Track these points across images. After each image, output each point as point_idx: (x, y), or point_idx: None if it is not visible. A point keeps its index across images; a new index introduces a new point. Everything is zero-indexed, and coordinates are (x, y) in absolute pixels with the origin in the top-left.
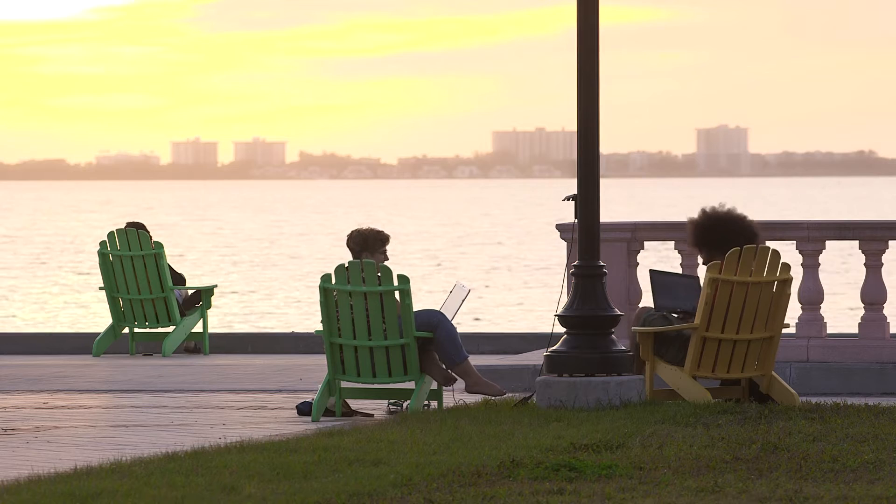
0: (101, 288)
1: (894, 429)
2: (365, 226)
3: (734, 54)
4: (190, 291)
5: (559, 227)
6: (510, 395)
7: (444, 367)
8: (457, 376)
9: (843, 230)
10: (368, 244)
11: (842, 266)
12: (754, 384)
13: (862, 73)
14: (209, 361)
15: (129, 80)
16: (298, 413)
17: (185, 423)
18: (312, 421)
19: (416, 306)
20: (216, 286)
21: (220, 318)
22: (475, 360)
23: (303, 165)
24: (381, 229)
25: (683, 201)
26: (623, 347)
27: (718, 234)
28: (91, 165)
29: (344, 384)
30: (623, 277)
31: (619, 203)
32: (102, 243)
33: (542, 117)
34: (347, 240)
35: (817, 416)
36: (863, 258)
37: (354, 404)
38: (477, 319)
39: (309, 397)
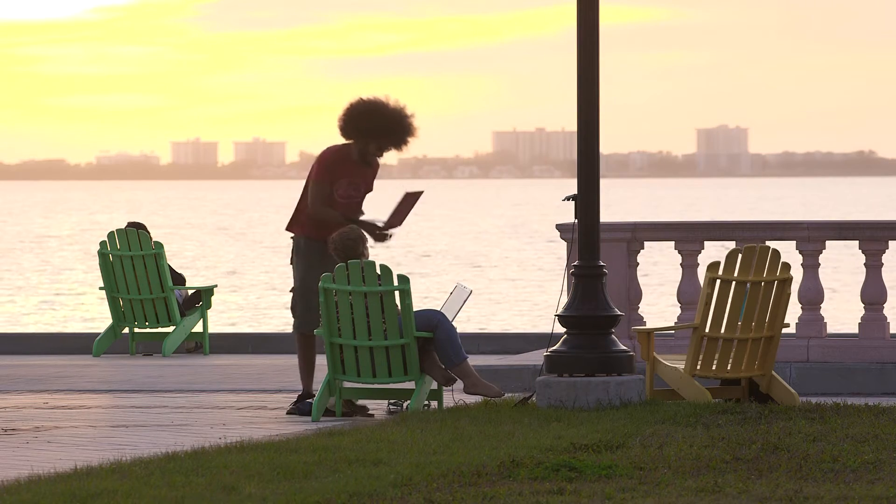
0: (101, 288)
1: (894, 429)
2: (335, 234)
3: (734, 54)
4: (190, 291)
5: (559, 227)
6: (510, 395)
7: (444, 367)
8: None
9: (843, 230)
10: (364, 240)
11: (840, 266)
12: (754, 384)
13: (862, 73)
14: (209, 361)
15: (129, 80)
16: (298, 413)
17: (185, 423)
18: (312, 421)
19: (418, 306)
20: (216, 286)
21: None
22: (475, 360)
23: (303, 165)
24: (349, 226)
25: (683, 201)
26: (623, 347)
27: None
28: (91, 165)
29: (344, 384)
30: (623, 277)
31: (619, 203)
32: (102, 243)
33: (542, 117)
34: (340, 249)
35: (817, 416)
36: (863, 258)
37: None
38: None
39: (309, 398)
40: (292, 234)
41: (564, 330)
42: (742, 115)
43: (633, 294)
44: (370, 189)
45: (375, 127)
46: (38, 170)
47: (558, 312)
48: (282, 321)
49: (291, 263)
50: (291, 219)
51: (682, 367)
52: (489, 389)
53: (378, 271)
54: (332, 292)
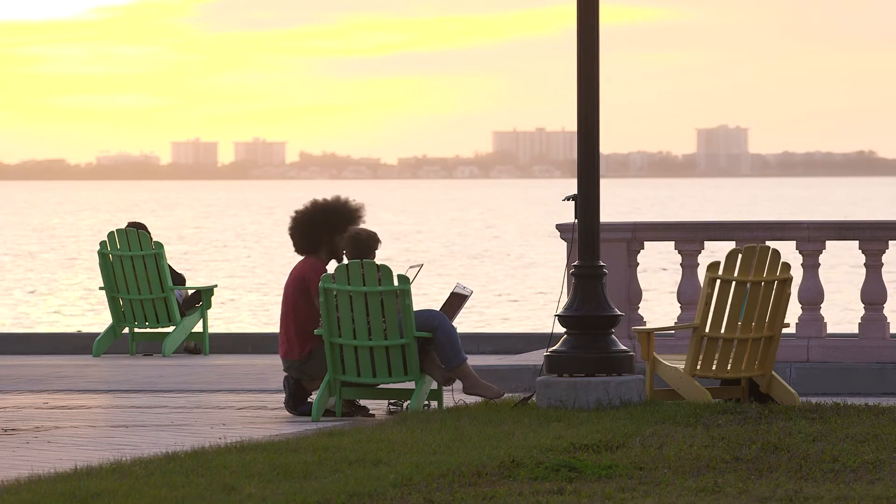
0: (101, 288)
1: (894, 429)
2: (359, 229)
3: (734, 54)
4: (190, 291)
5: (559, 227)
6: (509, 395)
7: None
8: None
9: (843, 230)
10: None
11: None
12: (754, 384)
13: (862, 73)
14: (209, 361)
15: (129, 80)
16: (298, 413)
17: (185, 423)
18: (312, 421)
19: (418, 307)
20: (216, 286)
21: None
22: (475, 361)
23: (303, 165)
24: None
25: (683, 201)
26: (623, 347)
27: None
28: (91, 165)
29: (344, 384)
30: (623, 277)
31: (619, 203)
32: (102, 243)
33: (542, 117)
34: (359, 243)
35: (817, 416)
36: (863, 258)
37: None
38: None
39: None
40: (292, 359)
41: (564, 330)
42: (742, 115)
43: (633, 294)
44: None
45: (335, 219)
46: (38, 170)
47: (558, 312)
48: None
49: (294, 378)
50: (290, 344)
51: (682, 367)
52: (489, 391)
53: (378, 272)
54: (333, 292)
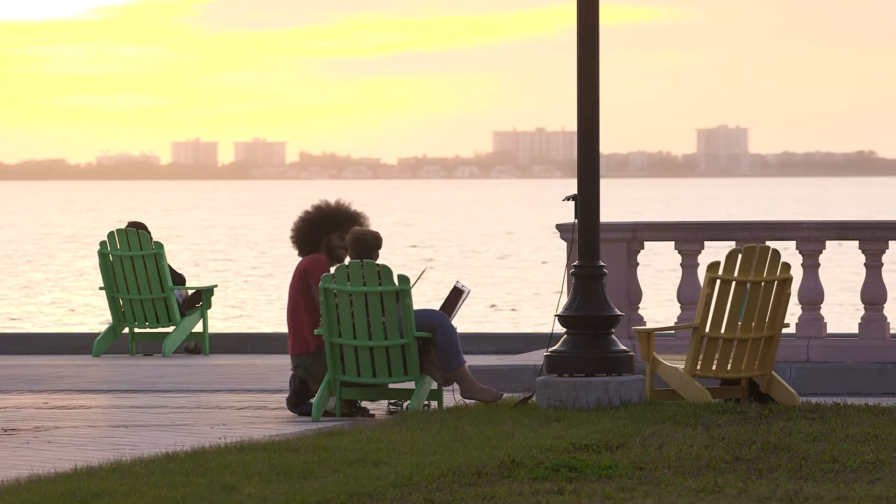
0: (101, 288)
1: (894, 429)
2: (357, 229)
3: (734, 54)
4: (190, 291)
5: (559, 227)
6: (509, 395)
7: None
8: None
9: (843, 230)
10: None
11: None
12: (754, 384)
13: (862, 73)
14: (209, 361)
15: (129, 80)
16: (298, 413)
17: (185, 423)
18: (312, 421)
19: (417, 306)
20: (216, 286)
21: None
22: (475, 360)
23: (303, 165)
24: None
25: (683, 201)
26: (623, 347)
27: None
28: (91, 165)
29: (344, 384)
30: (623, 277)
31: (619, 203)
32: (102, 243)
33: (542, 117)
34: (359, 243)
35: (817, 416)
36: (863, 258)
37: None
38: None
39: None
40: (301, 352)
41: (564, 330)
42: (742, 115)
43: (633, 294)
44: None
45: (330, 220)
46: (38, 170)
47: (558, 312)
48: (281, 321)
49: (301, 373)
50: (299, 337)
51: (682, 367)
52: (486, 394)
53: (378, 271)
54: (333, 292)
